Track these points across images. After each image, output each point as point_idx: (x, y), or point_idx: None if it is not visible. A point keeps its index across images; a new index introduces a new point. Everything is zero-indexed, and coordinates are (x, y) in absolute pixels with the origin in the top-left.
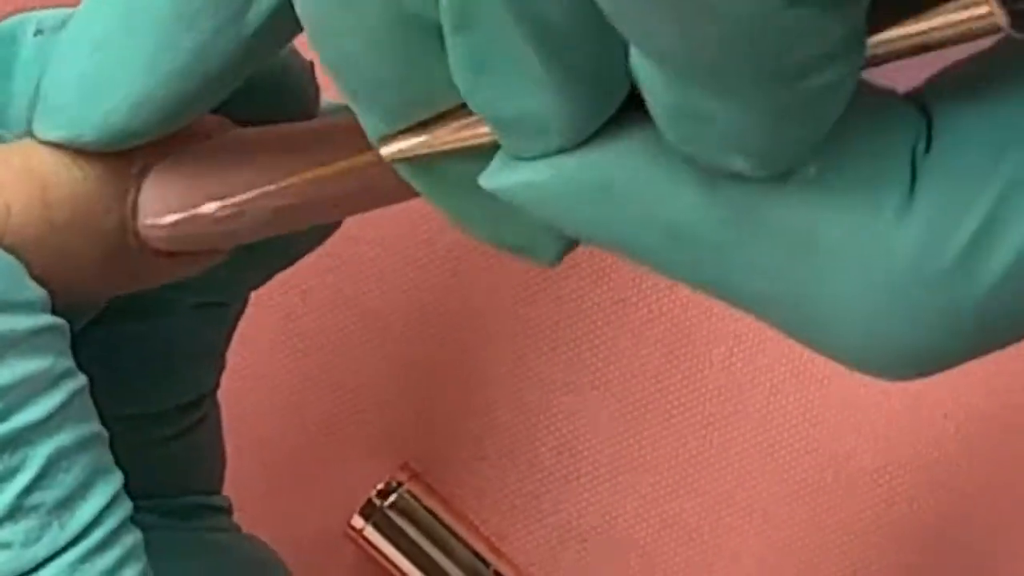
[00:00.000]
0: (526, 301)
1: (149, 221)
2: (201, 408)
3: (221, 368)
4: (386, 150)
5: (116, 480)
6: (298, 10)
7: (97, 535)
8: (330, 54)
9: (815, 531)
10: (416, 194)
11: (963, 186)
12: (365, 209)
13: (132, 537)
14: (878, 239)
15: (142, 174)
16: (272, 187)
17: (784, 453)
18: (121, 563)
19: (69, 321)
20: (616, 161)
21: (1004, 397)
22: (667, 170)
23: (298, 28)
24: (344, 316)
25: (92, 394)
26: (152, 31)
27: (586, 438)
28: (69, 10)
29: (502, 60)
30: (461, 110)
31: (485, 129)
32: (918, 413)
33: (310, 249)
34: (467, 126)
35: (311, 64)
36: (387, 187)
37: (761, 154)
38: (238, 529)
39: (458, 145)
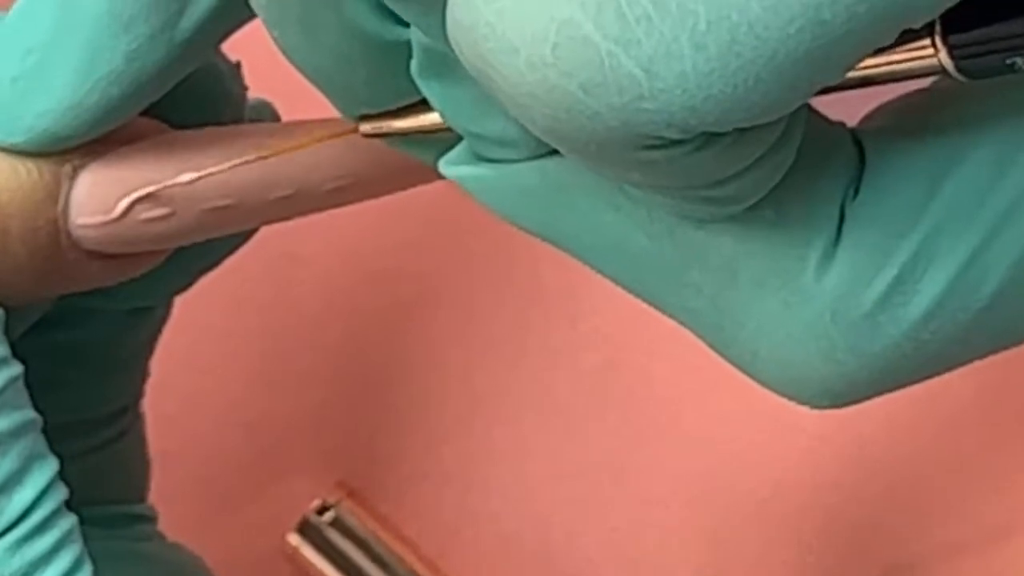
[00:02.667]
0: (464, 319)
1: (80, 221)
2: (127, 416)
3: (145, 377)
4: (364, 127)
5: (52, 465)
6: (268, 30)
7: (34, 519)
8: (301, 66)
9: (762, 546)
10: (346, 203)
11: (885, 233)
12: (297, 213)
13: (68, 521)
14: (800, 282)
15: (74, 174)
16: (193, 178)
17: (728, 466)
18: (58, 546)
19: (14, 320)
20: (567, 170)
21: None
22: (614, 184)
23: (227, 32)
24: (280, 331)
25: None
26: (86, 36)
27: (525, 452)
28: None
29: (470, 96)
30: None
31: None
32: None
33: (232, 251)
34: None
35: (238, 64)
36: (317, 191)
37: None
38: (163, 538)
39: (429, 127)
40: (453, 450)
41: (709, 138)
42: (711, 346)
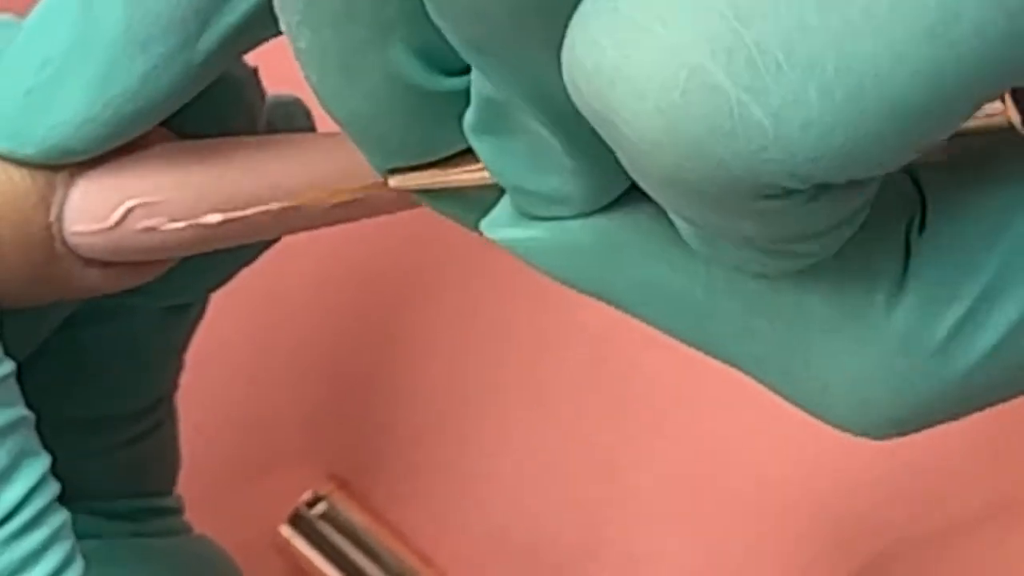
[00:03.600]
0: (454, 312)
1: (75, 228)
2: (161, 409)
3: (180, 369)
4: (393, 181)
5: (43, 462)
6: (303, 72)
7: (24, 516)
8: (336, 113)
9: (751, 538)
10: (346, 219)
11: (954, 270)
12: (301, 228)
13: (59, 517)
14: (869, 320)
15: (71, 180)
16: (219, 220)
17: (717, 460)
18: (48, 543)
19: (38, 318)
20: (622, 229)
21: None
22: (669, 240)
23: (244, 51)
24: (272, 324)
25: (59, 397)
26: (104, 53)
27: (514, 446)
28: (11, 17)
29: (527, 151)
30: (467, 155)
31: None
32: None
33: (269, 246)
34: (472, 169)
35: (255, 70)
36: (324, 205)
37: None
38: (189, 530)
39: (464, 183)
40: (443, 443)
41: (822, 189)
42: (775, 390)
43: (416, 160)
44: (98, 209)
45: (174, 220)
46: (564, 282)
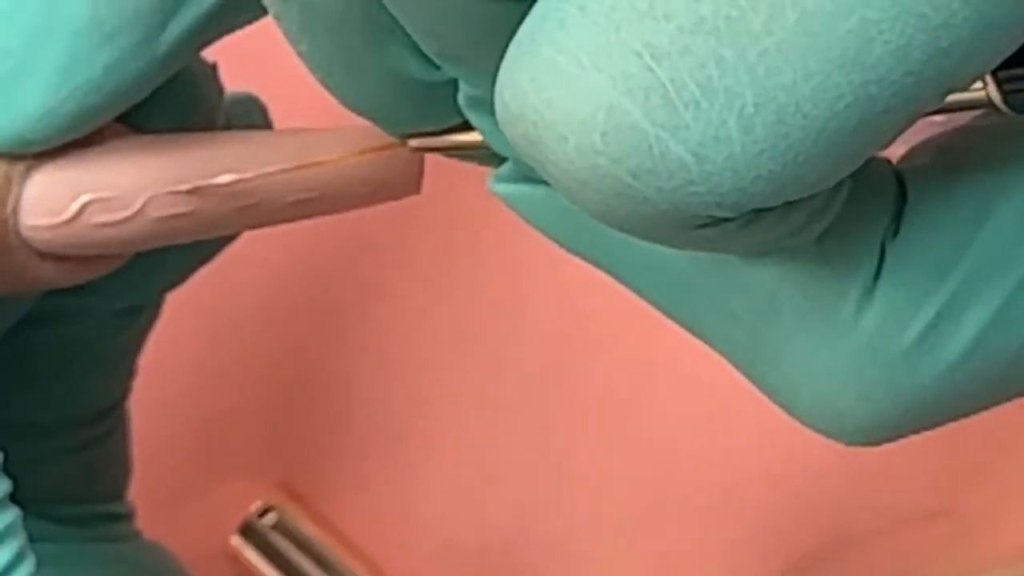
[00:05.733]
0: (406, 320)
1: (30, 222)
2: (113, 415)
3: (133, 374)
4: (413, 143)
5: None
6: (311, 71)
7: None
8: (346, 103)
9: (696, 548)
10: (305, 215)
11: (925, 273)
12: (259, 224)
13: (10, 515)
14: (839, 318)
15: (27, 173)
16: (231, 179)
17: (674, 466)
18: None
19: None
20: None
21: None
22: None
23: (208, 43)
24: (222, 332)
25: (8, 401)
26: (67, 45)
27: (468, 455)
28: None
29: None
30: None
31: None
32: None
33: (224, 246)
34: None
35: (214, 66)
36: (282, 201)
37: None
38: (140, 535)
39: (478, 144)
40: (396, 452)
41: (757, 213)
42: (747, 377)
43: (431, 130)
44: (54, 203)
45: (131, 214)
46: (557, 242)
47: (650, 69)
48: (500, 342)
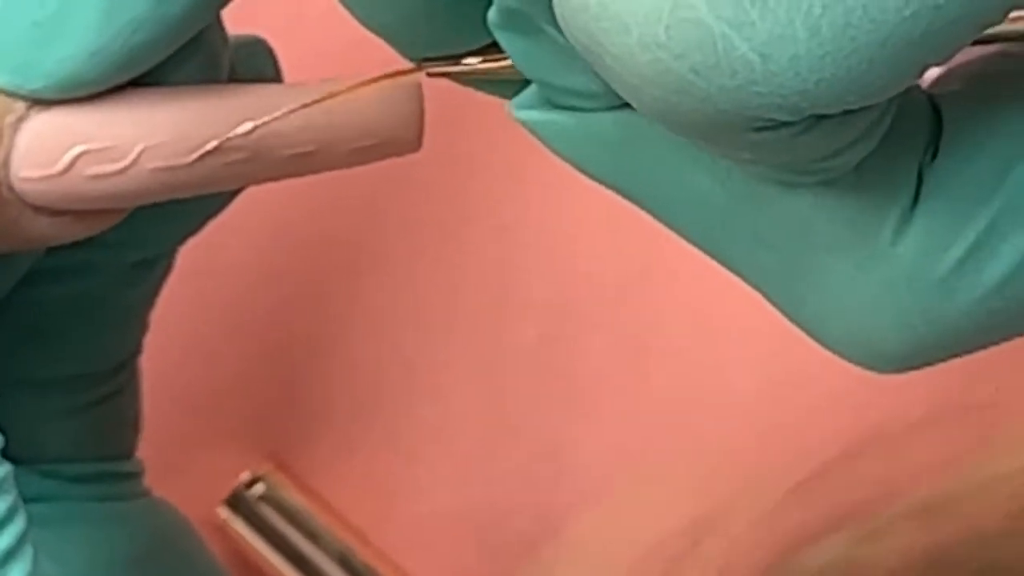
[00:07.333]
0: (397, 287)
1: (22, 174)
2: (126, 371)
3: (145, 330)
4: (429, 69)
5: None
6: None
7: None
8: (363, 21)
9: (693, 524)
10: (301, 172)
11: (965, 199)
12: (255, 180)
13: (1, 469)
14: (877, 244)
15: (18, 124)
16: (250, 128)
17: (665, 441)
18: None
19: None
20: (649, 124)
21: None
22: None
23: None
24: (208, 300)
25: (16, 358)
26: None
27: (457, 426)
28: None
29: (552, 51)
30: (498, 45)
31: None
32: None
33: (237, 194)
34: (503, 57)
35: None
36: (277, 154)
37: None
38: (148, 494)
39: (496, 70)
40: (384, 423)
41: (818, 119)
42: (779, 307)
43: (449, 53)
44: (46, 155)
45: (126, 166)
46: (584, 171)
47: None
48: (491, 311)
